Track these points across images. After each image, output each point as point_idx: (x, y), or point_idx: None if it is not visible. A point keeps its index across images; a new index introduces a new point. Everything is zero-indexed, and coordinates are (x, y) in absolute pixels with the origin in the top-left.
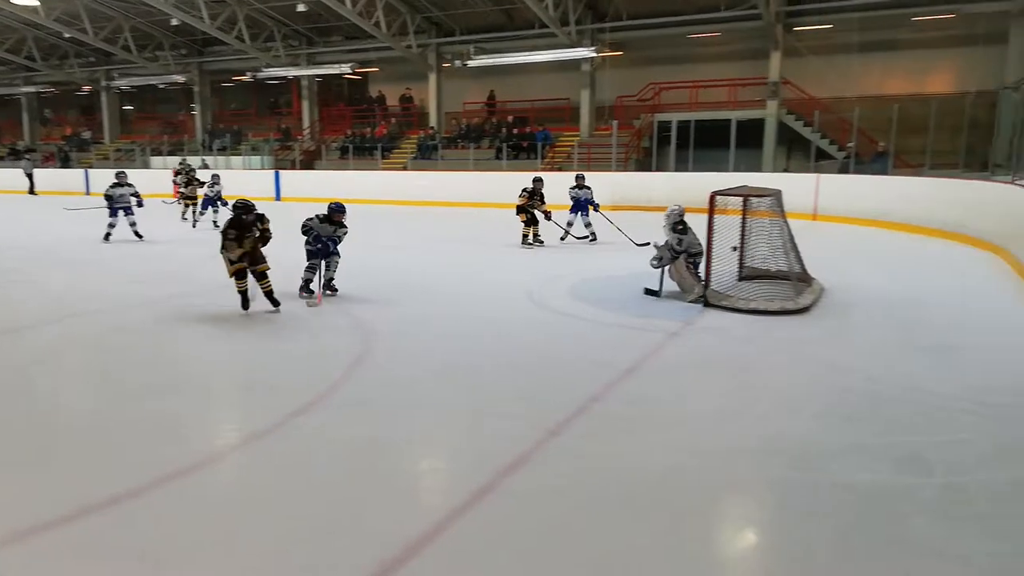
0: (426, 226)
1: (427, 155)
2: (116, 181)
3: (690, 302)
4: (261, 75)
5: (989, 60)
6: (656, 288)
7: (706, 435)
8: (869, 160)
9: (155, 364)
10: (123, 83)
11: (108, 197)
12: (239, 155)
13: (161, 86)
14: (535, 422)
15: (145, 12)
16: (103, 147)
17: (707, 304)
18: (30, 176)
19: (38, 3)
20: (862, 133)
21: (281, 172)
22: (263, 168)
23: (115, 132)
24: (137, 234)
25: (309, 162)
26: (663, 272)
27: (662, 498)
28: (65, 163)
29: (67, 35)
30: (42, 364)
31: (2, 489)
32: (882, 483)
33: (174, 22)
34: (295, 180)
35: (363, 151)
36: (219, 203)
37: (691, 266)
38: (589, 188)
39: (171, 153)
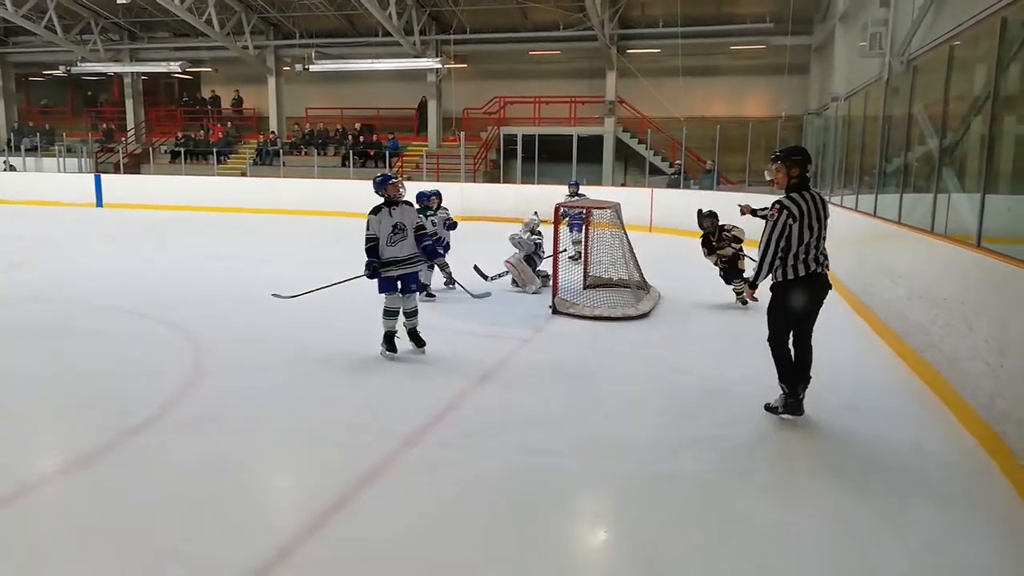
0: (266, 235)
1: (267, 161)
2: (396, 197)
3: (532, 293)
4: (76, 70)
5: (795, 88)
6: (487, 274)
7: (557, 436)
8: (698, 178)
9: None
10: None
11: (372, 243)
12: (52, 156)
13: None
14: (389, 434)
15: None
16: None
17: (555, 311)
18: None
19: None
20: (689, 151)
21: (103, 176)
22: (81, 171)
23: None
24: (416, 339)
25: (135, 166)
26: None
27: (518, 500)
28: None
29: None
30: None
31: None
32: (714, 471)
33: None
34: (119, 185)
35: (197, 155)
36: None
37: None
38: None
39: None
